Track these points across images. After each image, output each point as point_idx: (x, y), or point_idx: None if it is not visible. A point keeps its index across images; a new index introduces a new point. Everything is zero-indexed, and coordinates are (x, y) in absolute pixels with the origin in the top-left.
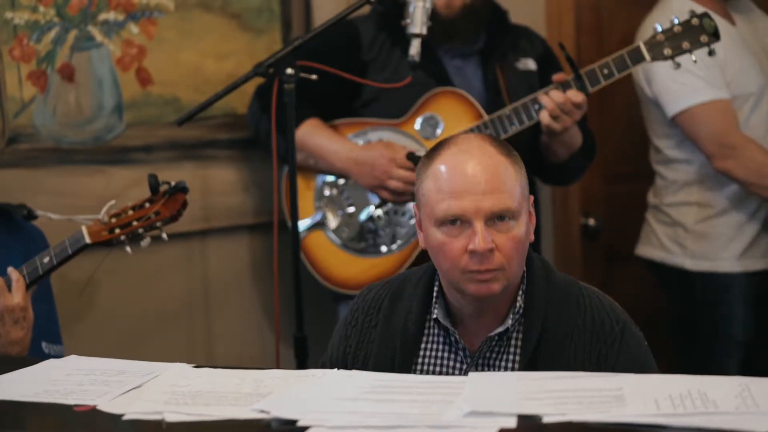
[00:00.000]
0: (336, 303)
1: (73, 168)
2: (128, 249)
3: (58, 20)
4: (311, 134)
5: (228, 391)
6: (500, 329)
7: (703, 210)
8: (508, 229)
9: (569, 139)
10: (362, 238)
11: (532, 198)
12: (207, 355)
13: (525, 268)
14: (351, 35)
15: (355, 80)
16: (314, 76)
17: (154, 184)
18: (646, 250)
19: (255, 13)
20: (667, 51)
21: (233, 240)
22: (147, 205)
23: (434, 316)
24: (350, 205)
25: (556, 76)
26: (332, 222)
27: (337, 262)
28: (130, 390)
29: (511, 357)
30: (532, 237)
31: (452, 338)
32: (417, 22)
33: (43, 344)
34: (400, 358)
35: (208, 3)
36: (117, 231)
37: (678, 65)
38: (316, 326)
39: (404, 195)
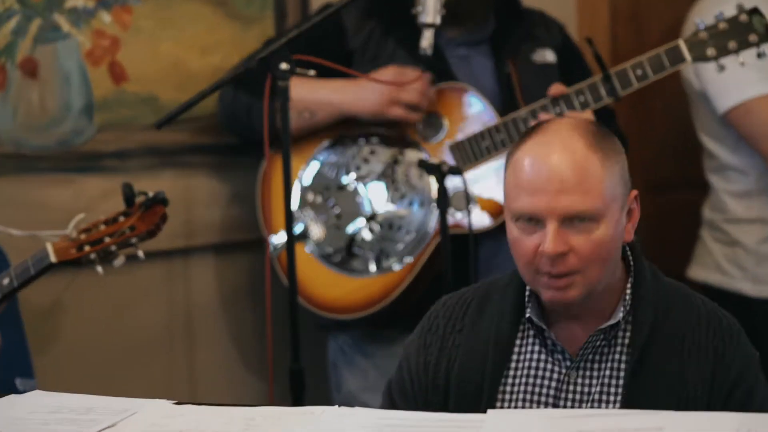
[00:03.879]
0: (324, 332)
1: (37, 177)
2: (99, 269)
3: (19, 7)
4: (299, 86)
5: (214, 431)
6: (610, 322)
7: (767, 227)
8: (588, 230)
9: None
10: (349, 254)
11: (634, 192)
12: (190, 390)
13: (632, 265)
14: (332, 21)
15: (361, 77)
16: (312, 72)
17: (129, 194)
18: (700, 272)
19: None
20: (710, 51)
21: (220, 259)
22: (121, 218)
23: (527, 315)
24: (337, 214)
25: (553, 90)
26: (315, 234)
27: (320, 282)
28: (103, 430)
29: (617, 357)
30: (630, 236)
31: (548, 341)
32: (430, 10)
33: (18, 381)
34: (491, 365)
35: None
36: (86, 248)
37: (722, 68)
38: (312, 358)
39: (418, 110)
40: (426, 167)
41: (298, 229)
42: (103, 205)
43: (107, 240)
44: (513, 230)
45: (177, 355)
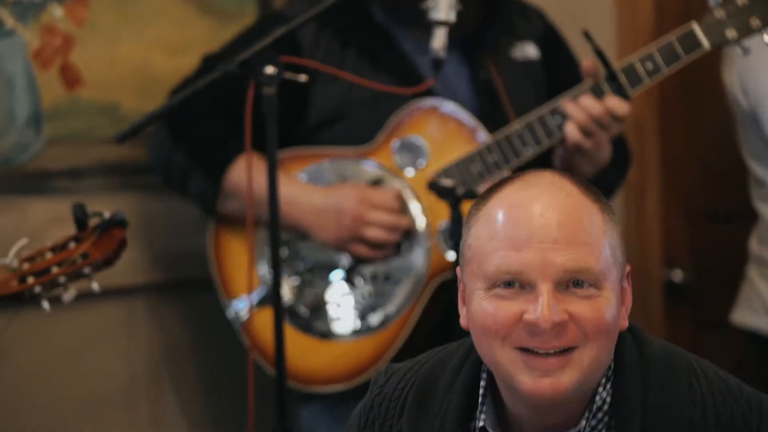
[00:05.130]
0: (299, 405)
1: None
2: (46, 305)
3: None
4: (252, 176)
5: None
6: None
7: None
8: (589, 297)
9: (597, 154)
10: (328, 315)
11: (629, 268)
12: None
13: (613, 361)
14: (285, 38)
15: (362, 83)
16: (303, 77)
17: (80, 216)
18: (745, 316)
19: None
20: (730, 33)
21: (189, 297)
22: (71, 244)
23: (480, 423)
24: (308, 269)
25: (586, 63)
26: (284, 294)
27: (296, 350)
28: None
29: None
30: (625, 323)
31: None
32: (443, 6)
33: None
34: None
35: None
36: (30, 280)
37: (746, 50)
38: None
39: (385, 248)
40: (437, 191)
41: (260, 293)
42: (52, 233)
43: (55, 270)
44: (483, 305)
45: (139, 410)
